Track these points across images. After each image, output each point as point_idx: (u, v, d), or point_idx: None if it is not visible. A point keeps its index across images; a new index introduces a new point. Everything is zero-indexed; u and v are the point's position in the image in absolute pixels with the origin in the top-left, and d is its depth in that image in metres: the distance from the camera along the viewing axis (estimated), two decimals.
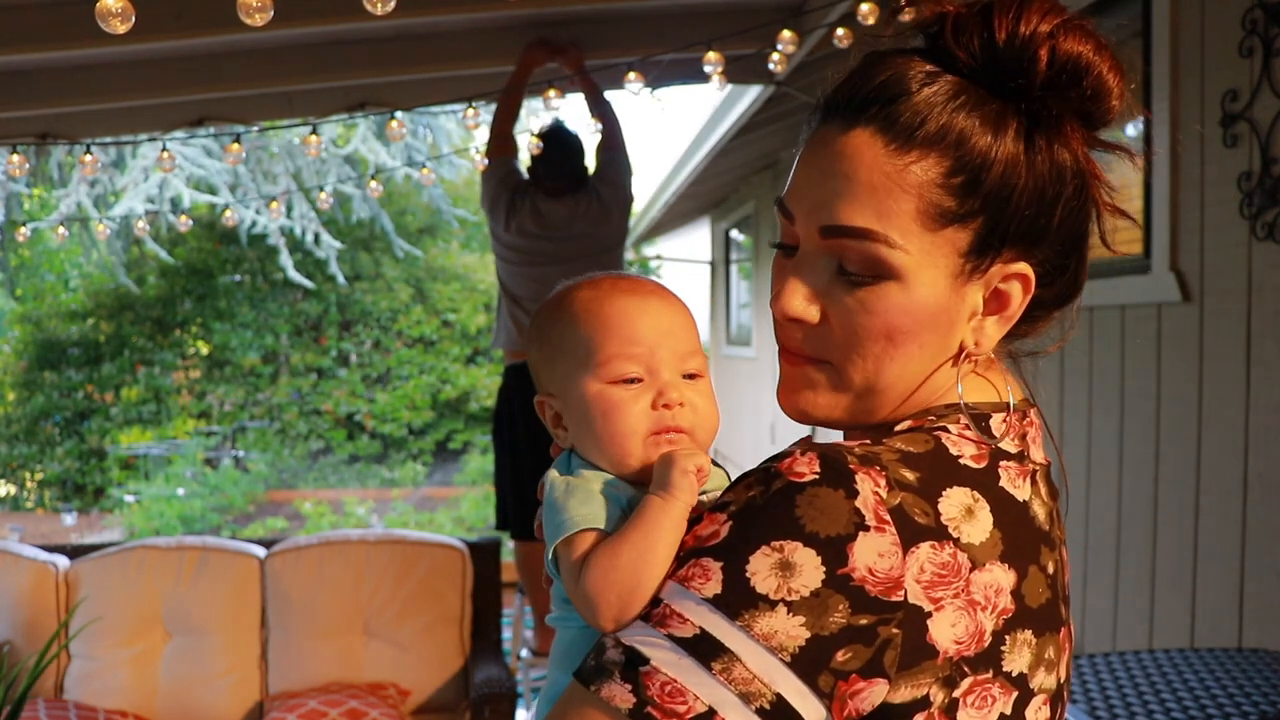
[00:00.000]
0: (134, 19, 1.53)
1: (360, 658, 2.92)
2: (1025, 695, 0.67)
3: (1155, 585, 2.45)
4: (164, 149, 3.21)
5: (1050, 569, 0.70)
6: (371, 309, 12.38)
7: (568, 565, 0.70)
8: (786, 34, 2.79)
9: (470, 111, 3.07)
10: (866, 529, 0.61)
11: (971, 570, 0.64)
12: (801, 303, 0.71)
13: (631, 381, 0.75)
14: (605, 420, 0.74)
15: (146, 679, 2.87)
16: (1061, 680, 0.71)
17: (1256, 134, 2.07)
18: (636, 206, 4.57)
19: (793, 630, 0.60)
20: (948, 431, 0.70)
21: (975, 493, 0.67)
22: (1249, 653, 1.82)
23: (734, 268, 8.64)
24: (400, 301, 12.42)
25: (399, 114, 3.23)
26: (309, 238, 9.31)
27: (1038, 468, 0.73)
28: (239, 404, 11.96)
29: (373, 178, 5.02)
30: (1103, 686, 1.70)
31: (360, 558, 3.00)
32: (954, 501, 0.65)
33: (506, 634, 4.40)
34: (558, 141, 3.45)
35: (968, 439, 0.69)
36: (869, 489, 0.63)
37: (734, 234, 8.49)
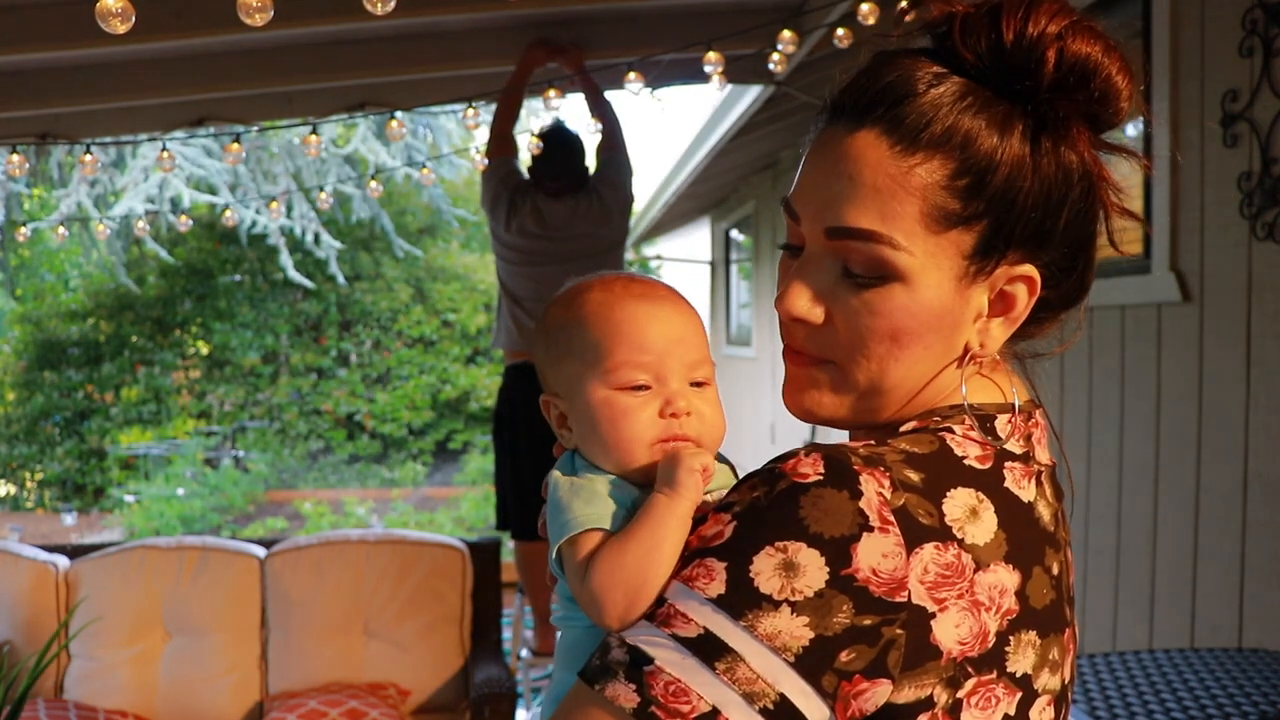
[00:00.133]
0: (134, 19, 1.53)
1: (360, 658, 2.92)
2: (1029, 696, 0.67)
3: (1155, 585, 2.45)
4: (164, 149, 3.21)
5: (1055, 570, 0.70)
6: (371, 309, 12.38)
7: (572, 565, 0.70)
8: (786, 34, 2.79)
9: (470, 111, 3.07)
10: (870, 530, 0.61)
11: (975, 571, 0.64)
12: (806, 303, 0.71)
13: (639, 389, 0.75)
14: (612, 427, 0.74)
15: (146, 679, 2.87)
16: (1066, 681, 0.71)
17: (1256, 134, 2.07)
18: (636, 206, 4.57)
19: (796, 630, 0.60)
20: (952, 432, 0.70)
21: (979, 494, 0.67)
22: (1249, 653, 1.82)
23: (734, 268, 8.63)
24: (400, 301, 12.42)
25: (399, 114, 3.23)
26: (309, 238, 9.30)
27: (1043, 469, 0.73)
28: (239, 404, 11.96)
29: (373, 178, 5.02)
30: (1103, 686, 1.70)
31: (360, 558, 3.00)
32: (958, 502, 0.65)
33: (506, 634, 4.41)
34: (558, 141, 3.45)
35: (972, 440, 0.69)
36: (873, 490, 0.63)
37: (734, 234, 8.49)
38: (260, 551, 3.02)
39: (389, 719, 2.70)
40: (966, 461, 0.68)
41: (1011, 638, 0.65)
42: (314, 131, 3.09)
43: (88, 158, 3.16)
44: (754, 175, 7.07)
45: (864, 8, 2.54)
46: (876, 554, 0.61)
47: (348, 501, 9.58)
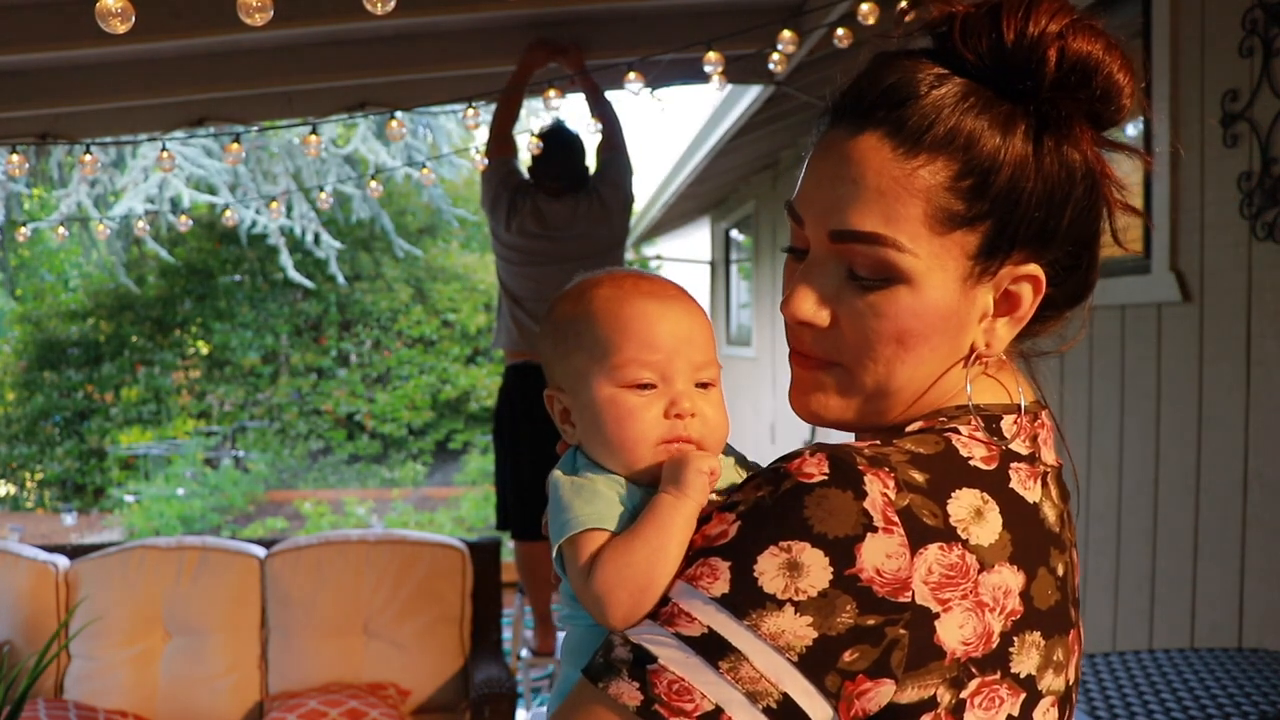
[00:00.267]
0: (134, 19, 1.53)
1: (360, 658, 2.92)
2: (1033, 697, 0.67)
3: (1155, 585, 2.45)
4: (164, 149, 3.21)
5: (1060, 571, 0.70)
6: (371, 309, 12.37)
7: (574, 564, 0.70)
8: (786, 34, 2.79)
9: (470, 111, 3.07)
10: (874, 530, 0.62)
11: (980, 571, 0.64)
12: (812, 307, 0.71)
13: (645, 387, 0.75)
14: (616, 425, 0.74)
15: (146, 679, 2.87)
16: (1070, 682, 0.71)
17: (1256, 134, 2.07)
18: (636, 206, 4.57)
19: (800, 630, 0.60)
20: (958, 433, 0.70)
21: (985, 494, 0.67)
22: (1249, 653, 1.82)
23: (734, 268, 8.63)
24: (400, 301, 12.42)
25: (399, 114, 3.23)
26: (309, 238, 9.30)
27: (1049, 469, 0.73)
28: (239, 404, 11.95)
29: (373, 178, 5.01)
30: (1103, 686, 1.70)
31: (360, 558, 3.00)
32: (963, 503, 0.65)
33: (506, 634, 4.40)
34: (558, 141, 3.45)
35: (978, 440, 0.69)
36: (877, 490, 0.63)
37: (734, 234, 8.48)
38: (260, 551, 3.02)
39: (389, 719, 2.70)
40: (972, 462, 0.68)
41: (1015, 638, 0.65)
42: (314, 131, 3.09)
43: (87, 158, 3.16)
44: (754, 175, 7.07)
45: (864, 8, 2.54)
46: (880, 554, 0.61)
47: (348, 501, 9.58)
